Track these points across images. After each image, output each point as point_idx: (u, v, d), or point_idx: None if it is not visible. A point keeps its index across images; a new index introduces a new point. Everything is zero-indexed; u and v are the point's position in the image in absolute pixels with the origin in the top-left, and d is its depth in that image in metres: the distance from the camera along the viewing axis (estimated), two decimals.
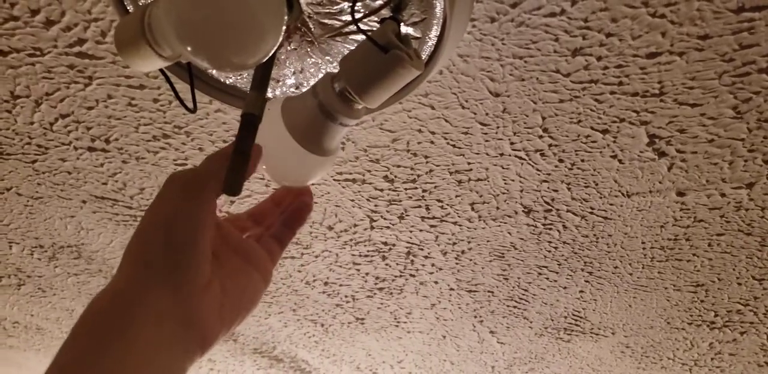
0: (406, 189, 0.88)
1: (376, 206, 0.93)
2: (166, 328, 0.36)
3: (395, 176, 0.86)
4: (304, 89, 0.63)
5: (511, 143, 0.76)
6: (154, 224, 0.38)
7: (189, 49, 0.38)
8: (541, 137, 0.74)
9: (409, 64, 0.43)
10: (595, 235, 0.94)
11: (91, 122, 0.77)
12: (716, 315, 1.14)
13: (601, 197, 0.85)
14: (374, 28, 0.49)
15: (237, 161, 0.40)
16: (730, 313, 1.13)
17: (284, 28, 0.43)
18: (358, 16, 0.49)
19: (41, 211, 0.99)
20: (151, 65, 0.43)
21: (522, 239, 0.97)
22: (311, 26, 0.52)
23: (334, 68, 0.55)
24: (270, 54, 0.42)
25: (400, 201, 0.91)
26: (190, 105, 0.48)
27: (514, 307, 1.20)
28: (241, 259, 0.41)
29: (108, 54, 0.66)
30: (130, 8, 0.51)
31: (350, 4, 0.49)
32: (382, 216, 0.95)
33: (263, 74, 0.46)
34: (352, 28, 0.51)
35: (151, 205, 0.39)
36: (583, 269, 1.04)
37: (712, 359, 1.33)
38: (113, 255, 1.07)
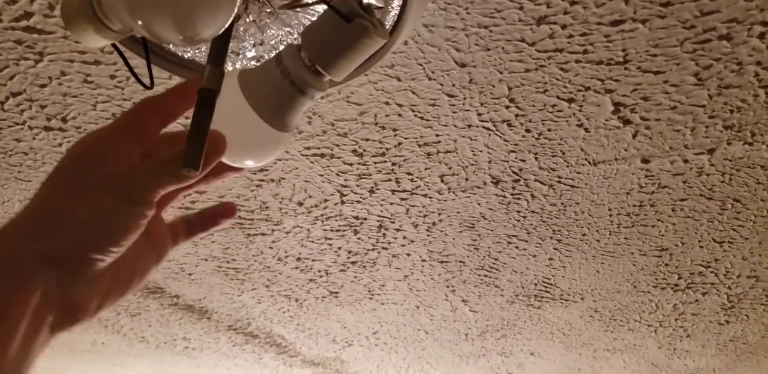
0: (375, 163, 0.88)
1: (345, 180, 0.92)
2: (39, 316, 0.34)
3: (364, 150, 0.85)
4: (266, 61, 0.61)
5: (479, 114, 0.76)
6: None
7: (140, 23, 0.37)
8: (507, 107, 0.74)
9: (374, 33, 0.42)
10: (563, 203, 0.95)
11: (45, 100, 0.75)
12: (680, 278, 1.18)
13: (568, 166, 0.86)
14: None
15: (195, 140, 0.38)
16: (693, 275, 1.17)
17: None
18: None
19: None
20: (102, 41, 0.42)
21: (491, 209, 0.98)
22: None
23: (295, 40, 0.54)
24: (226, 26, 0.41)
25: (370, 175, 0.91)
26: (147, 82, 0.46)
27: (485, 276, 1.22)
28: (143, 235, 0.39)
29: (58, 28, 0.63)
30: None
31: None
32: (352, 191, 0.95)
33: (220, 47, 0.45)
34: None
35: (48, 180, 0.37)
36: (551, 238, 1.06)
37: (675, 319, 1.37)
38: None
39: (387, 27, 0.52)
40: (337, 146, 0.84)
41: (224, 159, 0.48)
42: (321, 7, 0.51)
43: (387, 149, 0.85)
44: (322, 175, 0.91)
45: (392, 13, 0.52)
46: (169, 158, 0.37)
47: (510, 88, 0.71)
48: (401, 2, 0.49)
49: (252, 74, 0.47)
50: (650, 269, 1.16)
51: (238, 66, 0.59)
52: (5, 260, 0.34)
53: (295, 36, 0.54)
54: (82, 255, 0.35)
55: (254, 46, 0.56)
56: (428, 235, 1.07)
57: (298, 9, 0.51)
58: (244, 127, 0.46)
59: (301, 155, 0.86)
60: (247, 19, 0.54)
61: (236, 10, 0.39)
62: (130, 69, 0.45)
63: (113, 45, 0.45)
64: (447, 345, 1.60)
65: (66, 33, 0.63)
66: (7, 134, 0.81)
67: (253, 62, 0.58)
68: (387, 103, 0.75)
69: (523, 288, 1.27)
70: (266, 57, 0.57)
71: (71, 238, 0.35)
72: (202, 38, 0.41)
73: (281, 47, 0.56)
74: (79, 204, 0.36)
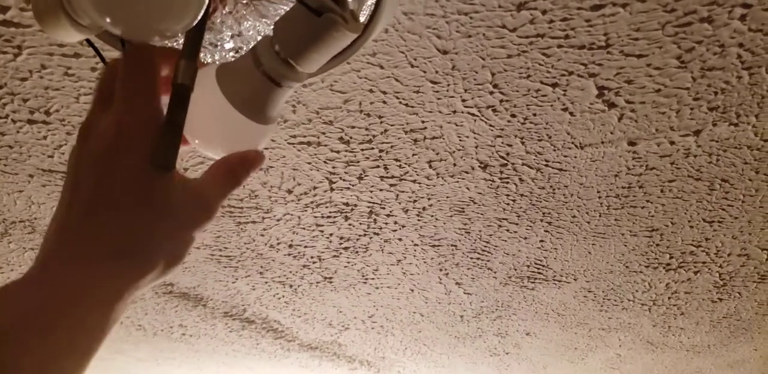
0: (362, 150, 0.88)
1: (333, 168, 0.92)
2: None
3: (350, 137, 0.85)
4: (244, 53, 0.61)
5: (463, 100, 0.76)
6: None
7: (108, 20, 0.37)
8: (491, 92, 0.74)
9: (343, 28, 0.42)
10: (551, 186, 0.95)
11: (27, 93, 0.74)
12: (671, 257, 1.19)
13: (555, 150, 0.86)
14: None
15: (170, 134, 0.38)
16: (684, 254, 1.18)
17: None
18: None
19: None
20: (73, 36, 0.41)
21: (480, 193, 0.98)
22: None
23: (271, 31, 0.54)
24: (197, 19, 0.40)
25: (358, 162, 0.91)
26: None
27: (478, 259, 1.23)
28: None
29: (35, 22, 0.63)
30: None
31: None
32: (340, 178, 0.95)
33: (194, 41, 0.44)
34: None
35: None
36: (542, 220, 1.06)
37: (669, 298, 1.39)
38: None
39: (365, 16, 0.52)
40: (324, 134, 0.84)
41: (209, 153, 0.48)
42: None
43: (374, 136, 0.85)
44: (309, 163, 0.91)
45: (369, 2, 0.51)
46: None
47: (493, 74, 0.71)
48: None
49: (228, 68, 0.47)
50: (641, 249, 1.17)
51: (217, 57, 0.59)
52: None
53: (272, 27, 0.54)
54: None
55: (232, 37, 0.56)
56: (419, 220, 1.08)
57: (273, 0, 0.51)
58: (225, 121, 0.46)
59: (288, 143, 0.86)
60: (224, 11, 0.53)
61: (207, 1, 0.39)
62: (105, 63, 0.45)
63: (86, 40, 0.45)
64: (443, 326, 1.62)
65: None
66: None
67: (231, 54, 0.57)
68: (371, 90, 0.75)
69: (515, 269, 1.28)
70: (245, 48, 0.56)
71: None
72: (175, 33, 0.40)
73: (259, 38, 0.55)
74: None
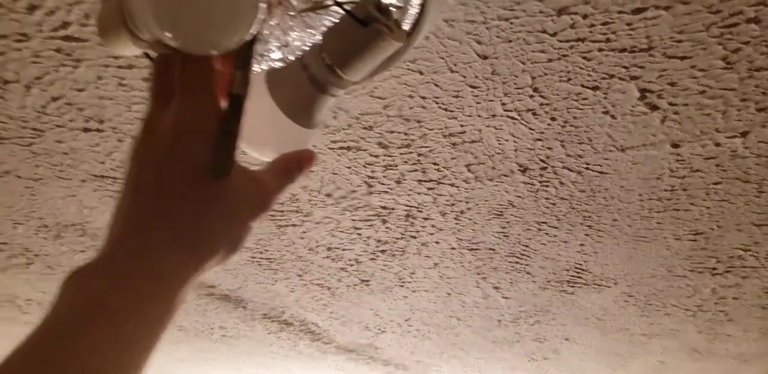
0: (401, 154, 0.89)
1: (372, 171, 0.93)
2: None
3: (389, 142, 0.86)
4: (292, 62, 0.62)
5: (503, 104, 0.76)
6: None
7: (168, 35, 0.38)
8: (531, 96, 0.74)
9: (388, 37, 0.43)
10: (591, 189, 0.95)
11: (83, 103, 0.77)
12: (717, 262, 1.16)
13: (595, 153, 0.85)
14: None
15: (225, 143, 0.40)
16: (732, 259, 1.15)
17: (263, 5, 0.42)
18: None
19: (42, 192, 1.00)
20: (133, 50, 0.43)
21: (519, 197, 0.98)
22: (292, 0, 0.52)
23: (318, 41, 0.55)
24: (249, 34, 0.42)
25: (396, 166, 0.92)
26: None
27: (516, 263, 1.22)
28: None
29: (93, 36, 0.66)
30: None
31: None
32: (379, 181, 0.96)
33: (247, 52, 0.46)
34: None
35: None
36: (582, 223, 1.05)
37: (715, 303, 1.36)
38: None
39: (407, 25, 0.53)
40: (363, 138, 0.85)
41: (256, 155, 0.50)
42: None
43: (412, 140, 0.86)
44: (349, 167, 0.92)
45: (412, 12, 0.52)
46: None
47: (533, 78, 0.71)
48: (421, 1, 0.50)
49: (277, 75, 0.48)
50: (685, 253, 1.14)
51: (264, 67, 0.60)
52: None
53: (318, 37, 0.55)
54: None
55: (279, 48, 0.57)
56: (456, 223, 1.08)
57: (320, 11, 0.52)
58: (274, 125, 0.47)
59: (328, 148, 0.88)
60: (271, 23, 0.55)
61: (261, 16, 0.40)
62: (150, 59, 0.47)
63: (145, 53, 0.47)
64: (480, 331, 1.62)
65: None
66: (49, 136, 0.84)
67: (278, 64, 0.59)
68: (410, 96, 0.76)
69: (554, 273, 1.27)
70: (290, 58, 0.58)
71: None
72: (229, 46, 0.42)
73: (305, 48, 0.57)
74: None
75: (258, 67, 0.60)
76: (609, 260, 1.19)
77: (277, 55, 0.61)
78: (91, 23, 0.64)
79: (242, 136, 0.48)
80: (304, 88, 0.47)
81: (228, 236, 0.39)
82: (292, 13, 0.53)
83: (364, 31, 0.43)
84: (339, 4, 0.43)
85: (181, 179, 0.37)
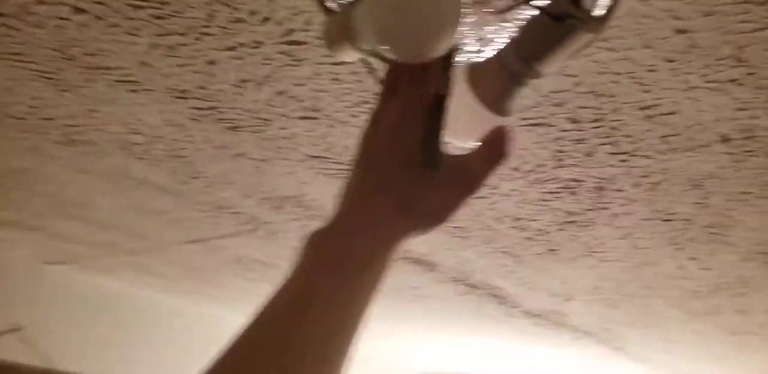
0: (592, 128, 0.90)
1: (562, 145, 0.96)
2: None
3: (580, 117, 0.88)
4: (484, 55, 0.67)
5: (703, 76, 0.74)
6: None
7: (386, 48, 0.46)
8: (734, 67, 0.71)
9: (583, 32, 0.46)
10: None
11: (302, 95, 0.90)
12: None
13: None
14: None
15: (434, 140, 0.47)
16: None
17: (467, 15, 0.48)
18: None
19: (267, 170, 1.17)
20: (353, 57, 0.52)
21: (721, 167, 0.94)
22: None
23: (514, 36, 0.59)
24: (453, 41, 0.48)
25: (587, 139, 0.93)
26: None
27: (716, 233, 1.17)
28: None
29: (311, 39, 0.76)
30: (329, 4, 0.59)
31: None
32: (569, 155, 0.98)
33: (449, 55, 0.52)
34: None
35: None
36: None
37: None
38: (328, 202, 1.23)
39: (600, 9, 0.55)
40: (553, 115, 0.88)
41: (458, 144, 0.56)
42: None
43: (604, 114, 0.86)
44: (537, 142, 0.96)
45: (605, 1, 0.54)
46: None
47: (737, 48, 0.68)
48: None
49: (476, 70, 0.54)
50: None
51: (458, 59, 0.66)
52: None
53: (512, 30, 0.59)
54: None
55: (476, 41, 0.63)
56: (650, 194, 1.06)
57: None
58: (472, 116, 0.53)
59: (518, 125, 0.91)
60: (468, 20, 0.60)
61: (462, 27, 0.46)
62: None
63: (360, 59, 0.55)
64: (674, 302, 1.57)
65: (317, 41, 0.76)
66: (275, 124, 0.99)
67: (473, 56, 0.64)
68: (602, 72, 0.77)
69: (760, 244, 1.20)
70: (484, 51, 0.63)
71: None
72: (435, 56, 0.49)
73: (497, 41, 0.61)
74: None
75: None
76: None
77: (472, 47, 0.66)
78: (310, 28, 0.74)
79: (446, 128, 0.55)
80: (501, 82, 0.51)
81: (436, 209, 0.46)
82: (490, 12, 0.58)
83: (560, 26, 0.46)
84: (535, 5, 0.47)
85: (401, 162, 0.46)
